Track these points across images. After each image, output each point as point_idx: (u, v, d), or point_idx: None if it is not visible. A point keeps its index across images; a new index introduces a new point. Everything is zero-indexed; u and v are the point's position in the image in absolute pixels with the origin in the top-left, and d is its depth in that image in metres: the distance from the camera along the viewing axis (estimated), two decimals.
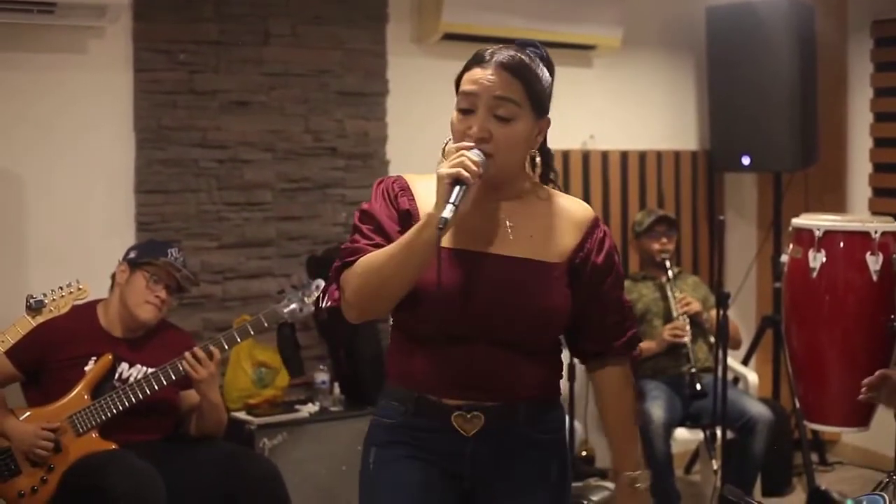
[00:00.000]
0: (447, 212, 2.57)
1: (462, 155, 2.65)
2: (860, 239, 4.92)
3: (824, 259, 4.90)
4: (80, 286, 4.21)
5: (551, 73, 2.85)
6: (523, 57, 2.77)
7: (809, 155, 6.60)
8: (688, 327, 5.90)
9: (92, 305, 4.67)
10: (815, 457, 6.50)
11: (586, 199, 6.46)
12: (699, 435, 5.88)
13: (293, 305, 4.76)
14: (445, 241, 2.70)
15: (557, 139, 6.58)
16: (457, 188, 2.61)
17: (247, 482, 4.55)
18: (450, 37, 5.94)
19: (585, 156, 6.61)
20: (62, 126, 5.12)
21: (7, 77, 5.01)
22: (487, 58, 2.75)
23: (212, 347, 4.59)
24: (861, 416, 5.02)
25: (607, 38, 6.49)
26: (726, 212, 7.11)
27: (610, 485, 5.07)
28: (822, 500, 5.03)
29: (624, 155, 6.79)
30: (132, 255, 4.74)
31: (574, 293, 2.84)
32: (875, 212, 6.80)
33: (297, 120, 5.67)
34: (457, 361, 2.78)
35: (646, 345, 6.09)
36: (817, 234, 4.91)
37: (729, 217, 6.95)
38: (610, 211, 6.71)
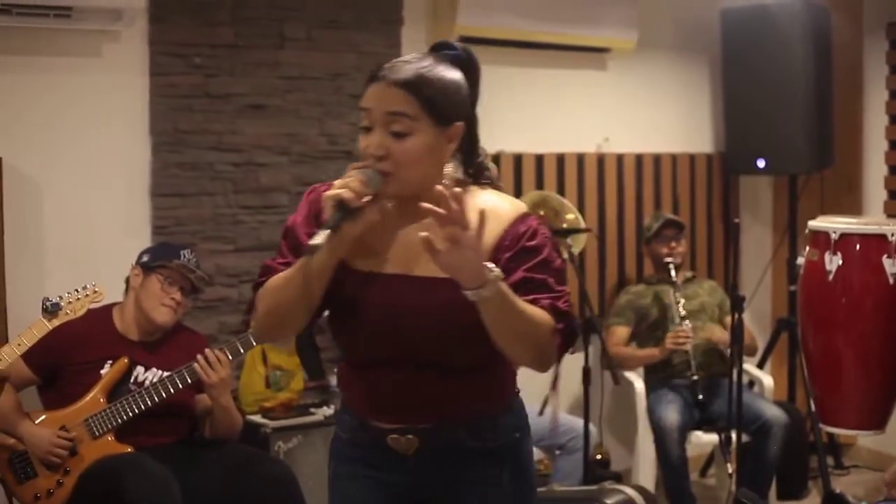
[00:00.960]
0: (318, 238, 2.51)
1: (348, 176, 2.62)
2: (876, 241, 4.91)
3: (840, 262, 4.89)
4: (96, 289, 4.23)
5: (471, 73, 2.77)
6: (419, 67, 2.66)
7: (825, 157, 6.59)
8: (691, 334, 5.89)
9: (108, 309, 4.68)
10: (830, 460, 6.49)
11: (601, 202, 6.49)
12: (714, 438, 5.86)
13: None
14: (365, 265, 2.71)
15: (572, 142, 6.66)
16: (338, 212, 2.56)
17: (262, 485, 4.56)
18: (465, 40, 5.93)
19: (600, 159, 6.60)
20: (78, 129, 5.13)
21: (24, 81, 5.02)
22: (381, 74, 2.65)
23: (219, 351, 4.59)
24: (877, 419, 5.02)
25: (622, 41, 6.48)
26: (741, 215, 7.10)
27: (626, 488, 5.06)
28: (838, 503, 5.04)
29: (639, 158, 6.78)
30: (145, 258, 4.75)
31: None
32: (891, 214, 6.80)
33: (312, 123, 5.68)
34: (386, 385, 2.75)
35: (649, 352, 6.11)
36: (833, 236, 4.90)
37: (744, 220, 6.94)
38: (625, 215, 6.70)
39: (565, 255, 5.63)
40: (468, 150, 2.81)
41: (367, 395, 2.81)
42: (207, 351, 4.58)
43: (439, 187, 2.46)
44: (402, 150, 2.62)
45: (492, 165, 2.88)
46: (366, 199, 2.59)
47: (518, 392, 2.94)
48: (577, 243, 5.80)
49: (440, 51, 2.77)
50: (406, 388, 2.74)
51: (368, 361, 2.77)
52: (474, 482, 2.83)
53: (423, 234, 2.45)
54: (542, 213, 5.75)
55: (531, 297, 2.63)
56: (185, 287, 4.73)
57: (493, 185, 2.85)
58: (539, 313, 2.62)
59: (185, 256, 4.74)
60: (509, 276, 2.61)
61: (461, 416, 2.78)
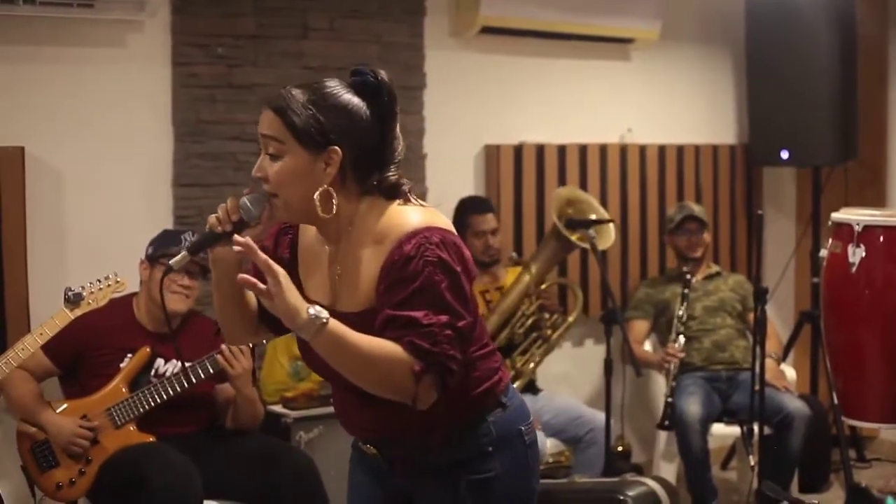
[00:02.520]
0: (176, 259, 2.68)
1: (220, 207, 2.71)
2: None
3: (864, 254, 4.85)
4: (118, 279, 4.24)
5: (377, 98, 2.75)
6: (299, 93, 2.71)
7: (849, 149, 6.56)
8: (681, 354, 5.89)
9: (129, 299, 4.69)
10: (852, 453, 6.46)
11: (623, 193, 6.49)
12: (736, 431, 5.85)
13: None
14: (310, 293, 2.78)
15: (595, 133, 6.65)
16: (201, 236, 2.72)
17: (283, 475, 4.56)
18: (488, 30, 5.94)
19: (623, 150, 6.58)
20: (101, 120, 5.15)
21: (47, 71, 5.03)
22: (267, 103, 2.74)
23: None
24: None
25: (645, 32, 6.47)
26: (765, 206, 7.08)
27: (648, 480, 5.06)
28: (862, 497, 5.02)
29: (662, 149, 6.76)
30: (150, 250, 4.74)
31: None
32: None
33: None
34: (336, 402, 2.97)
35: (650, 357, 6.10)
36: (857, 228, 4.86)
37: (767, 212, 6.92)
38: (647, 205, 6.69)
39: (586, 246, 5.62)
40: (369, 170, 2.74)
41: (335, 404, 3.01)
42: (225, 346, 4.56)
43: (237, 240, 2.53)
44: (275, 172, 2.67)
45: (405, 181, 2.79)
46: (228, 225, 2.67)
47: (502, 406, 2.87)
48: (605, 240, 5.77)
49: (352, 76, 2.77)
50: (347, 407, 2.90)
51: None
52: (434, 494, 2.88)
53: (241, 276, 2.51)
54: (570, 211, 5.75)
55: (395, 335, 2.57)
56: (191, 271, 4.69)
57: (407, 199, 2.76)
58: (391, 355, 2.56)
59: (186, 240, 4.71)
60: (379, 313, 2.61)
61: (396, 435, 2.82)
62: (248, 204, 2.67)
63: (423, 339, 2.56)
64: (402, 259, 2.60)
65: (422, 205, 2.76)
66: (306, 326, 2.49)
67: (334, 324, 2.51)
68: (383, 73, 2.76)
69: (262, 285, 2.46)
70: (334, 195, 2.68)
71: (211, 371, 4.54)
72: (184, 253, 2.65)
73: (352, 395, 2.73)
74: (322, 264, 2.79)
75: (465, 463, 2.82)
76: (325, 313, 2.49)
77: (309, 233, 2.84)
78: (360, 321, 2.60)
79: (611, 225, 5.83)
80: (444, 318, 2.59)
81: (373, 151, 2.74)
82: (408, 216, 2.69)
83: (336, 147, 2.67)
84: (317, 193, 2.66)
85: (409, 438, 2.81)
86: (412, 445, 2.83)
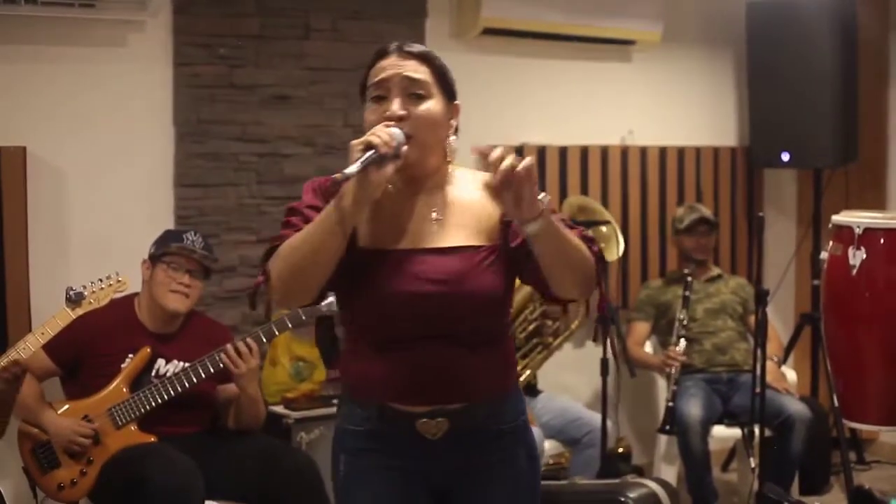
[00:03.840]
0: (352, 168, 2.55)
1: (375, 129, 2.66)
2: None
3: (864, 256, 4.85)
4: (120, 279, 4.23)
5: None
6: (423, 46, 2.86)
7: (850, 151, 6.57)
8: (681, 356, 5.88)
9: (130, 299, 4.69)
10: (853, 455, 6.46)
11: (624, 195, 6.50)
12: (737, 433, 5.86)
13: (331, 298, 4.74)
14: (377, 244, 2.75)
15: (596, 134, 6.65)
16: (368, 153, 2.59)
17: (284, 476, 4.56)
18: (489, 32, 5.94)
19: (624, 151, 6.59)
20: (102, 119, 5.15)
21: (48, 70, 5.03)
22: (391, 49, 2.82)
23: (249, 340, 4.59)
24: None
25: (647, 33, 6.47)
26: (765, 208, 7.07)
27: (649, 482, 5.06)
28: (864, 499, 5.02)
29: (663, 151, 6.76)
30: (151, 250, 4.75)
31: (509, 258, 2.80)
32: None
33: (336, 114, 5.68)
34: (414, 366, 2.75)
35: (651, 360, 6.11)
36: (857, 231, 4.87)
37: (768, 214, 6.90)
38: (648, 207, 6.69)
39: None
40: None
41: (391, 378, 2.77)
42: (230, 345, 4.56)
43: (475, 148, 2.54)
44: (423, 110, 2.74)
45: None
46: (391, 150, 2.63)
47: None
48: (610, 252, 5.79)
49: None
50: (433, 367, 2.75)
51: (390, 343, 2.76)
52: (494, 464, 2.86)
53: (477, 147, 2.51)
54: (581, 218, 5.77)
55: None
56: (192, 270, 4.70)
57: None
58: (577, 238, 2.73)
59: (187, 239, 4.71)
60: (517, 237, 2.74)
61: (484, 395, 2.81)
62: (401, 136, 2.67)
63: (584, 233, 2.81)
64: None
65: None
66: (545, 210, 2.57)
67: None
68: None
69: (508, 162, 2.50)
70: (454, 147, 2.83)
71: (212, 370, 4.54)
72: (359, 166, 2.55)
73: (451, 348, 2.74)
74: (390, 213, 2.77)
75: (516, 431, 2.89)
76: (547, 197, 2.58)
77: None
78: (453, 254, 2.73)
79: (619, 238, 5.85)
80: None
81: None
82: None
83: (457, 102, 2.86)
84: (452, 138, 2.82)
85: (489, 399, 2.83)
86: (487, 409, 2.82)
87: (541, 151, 6.25)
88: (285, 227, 2.78)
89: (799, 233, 7.20)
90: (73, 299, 4.07)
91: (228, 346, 4.54)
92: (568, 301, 2.92)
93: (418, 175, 2.79)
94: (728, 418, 5.93)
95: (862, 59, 6.60)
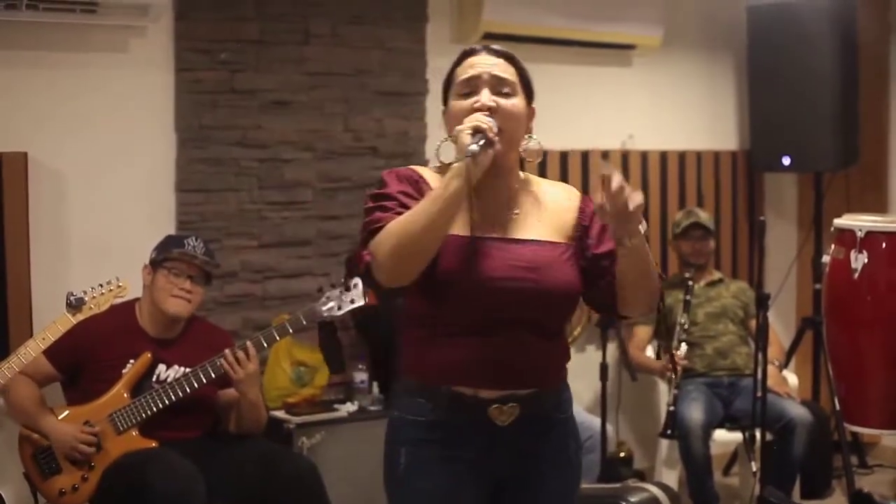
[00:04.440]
0: (473, 147, 2.70)
1: (476, 116, 2.80)
2: None
3: (866, 260, 4.86)
4: (120, 284, 4.23)
5: None
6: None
7: (850, 155, 6.57)
8: (682, 361, 5.87)
9: (131, 304, 4.69)
10: (854, 459, 6.46)
11: None
12: (738, 437, 5.86)
13: (331, 304, 4.74)
14: (460, 231, 2.81)
15: (597, 139, 6.64)
16: (478, 135, 2.74)
17: (285, 481, 4.56)
18: (490, 36, 5.93)
19: (625, 156, 6.59)
20: (104, 125, 5.15)
21: (50, 76, 5.04)
22: (479, 49, 2.96)
23: (249, 345, 4.58)
24: None
25: (647, 38, 6.47)
26: (766, 212, 7.07)
27: (650, 486, 5.05)
28: (865, 503, 5.01)
29: (663, 155, 6.77)
30: (152, 255, 4.75)
31: (584, 266, 2.94)
32: None
33: (336, 119, 5.69)
34: (492, 351, 2.82)
35: (652, 365, 6.11)
36: (859, 234, 4.87)
37: (769, 217, 6.89)
38: (649, 212, 6.69)
39: None
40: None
41: (468, 364, 2.83)
42: (229, 350, 4.56)
43: (602, 164, 2.76)
44: (510, 105, 2.87)
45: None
46: (494, 135, 2.77)
47: None
48: None
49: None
50: (510, 353, 2.84)
51: (470, 329, 2.82)
52: (552, 454, 2.96)
53: (610, 178, 2.66)
54: None
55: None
56: (194, 276, 4.71)
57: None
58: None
59: (189, 244, 4.71)
60: (602, 245, 2.93)
61: (551, 382, 2.96)
62: (495, 126, 2.80)
63: None
64: (592, 210, 2.92)
65: None
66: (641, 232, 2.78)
67: None
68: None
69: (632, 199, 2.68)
70: (532, 147, 2.96)
71: (212, 375, 4.54)
72: (476, 148, 2.70)
73: (528, 336, 2.84)
74: (473, 203, 2.83)
75: (569, 422, 3.02)
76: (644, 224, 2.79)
77: (439, 179, 2.89)
78: (538, 246, 2.88)
79: None
80: None
81: None
82: (563, 183, 3.13)
83: (534, 106, 2.99)
84: (534, 138, 2.96)
85: (554, 387, 2.97)
86: (552, 397, 2.96)
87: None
88: (378, 212, 2.85)
89: (800, 236, 7.20)
90: (74, 305, 4.07)
91: (227, 351, 4.54)
92: (625, 317, 3.08)
93: (499, 169, 2.88)
94: (729, 422, 5.93)
95: (862, 62, 6.61)
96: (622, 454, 6.22)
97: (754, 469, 5.36)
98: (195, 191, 5.36)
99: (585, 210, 2.97)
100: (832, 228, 5.08)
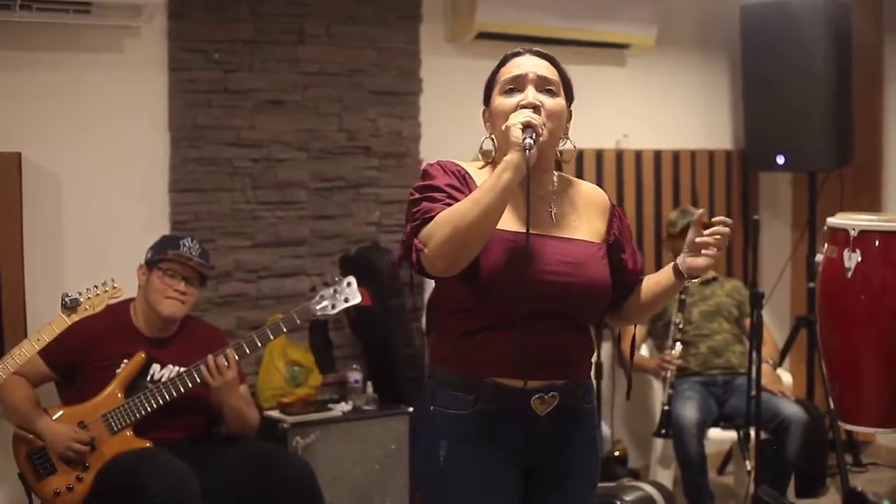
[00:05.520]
0: (529, 139, 2.80)
1: (524, 112, 2.89)
2: None
3: (860, 259, 4.86)
4: (115, 285, 4.22)
5: None
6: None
7: (845, 154, 6.57)
8: (677, 360, 5.87)
9: (126, 305, 4.68)
10: (848, 458, 6.47)
11: (619, 198, 6.50)
12: (733, 435, 5.86)
13: (325, 303, 4.75)
14: (506, 225, 2.89)
15: (591, 138, 6.65)
16: (528, 130, 2.83)
17: (280, 481, 4.56)
18: (483, 36, 5.94)
19: (619, 155, 6.60)
20: (98, 124, 5.15)
21: (43, 76, 5.03)
22: (523, 51, 3.07)
23: (229, 351, 4.58)
24: None
25: (641, 37, 6.48)
26: (761, 211, 7.08)
27: (644, 485, 5.06)
28: (858, 501, 5.02)
29: (657, 154, 6.77)
30: (148, 255, 4.75)
31: (612, 267, 3.07)
32: None
33: (331, 119, 5.69)
34: (533, 343, 2.88)
35: (647, 363, 6.11)
36: (853, 233, 4.87)
37: (763, 217, 6.93)
38: (643, 211, 6.70)
39: None
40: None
41: (511, 356, 2.88)
42: (210, 357, 4.56)
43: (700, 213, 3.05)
44: (554, 103, 3.00)
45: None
46: (543, 130, 2.88)
47: None
48: None
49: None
50: (551, 345, 2.94)
51: (511, 321, 2.85)
52: (581, 442, 3.07)
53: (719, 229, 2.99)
54: None
55: (637, 268, 3.18)
56: (188, 277, 4.71)
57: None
58: None
59: (184, 245, 4.71)
60: (636, 264, 3.17)
61: (585, 373, 3.08)
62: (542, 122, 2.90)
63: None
64: (621, 216, 3.19)
65: None
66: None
67: None
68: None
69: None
70: (570, 146, 3.12)
71: (198, 379, 4.54)
72: (531, 142, 2.79)
73: (566, 328, 2.97)
74: (519, 202, 2.93)
75: (593, 414, 3.14)
76: None
77: (481, 173, 3.02)
78: (573, 246, 3.00)
79: None
80: None
81: None
82: (594, 185, 3.25)
83: (572, 109, 3.12)
84: (568, 143, 3.11)
85: (586, 378, 3.09)
86: (583, 388, 3.07)
87: None
88: (427, 202, 2.90)
89: (794, 236, 7.20)
90: (69, 305, 4.06)
91: (209, 357, 4.53)
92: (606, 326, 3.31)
93: (538, 167, 2.94)
94: (724, 421, 5.93)
95: (856, 62, 6.61)
96: (617, 453, 6.23)
97: (749, 468, 5.37)
98: (189, 190, 5.35)
99: (615, 219, 3.15)
100: (825, 227, 5.08)
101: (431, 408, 3.01)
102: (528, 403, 2.94)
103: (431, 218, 2.84)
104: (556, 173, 3.10)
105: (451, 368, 2.99)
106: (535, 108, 2.91)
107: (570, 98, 3.11)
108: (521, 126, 2.82)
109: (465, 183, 2.96)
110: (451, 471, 2.97)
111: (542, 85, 3.00)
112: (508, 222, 2.90)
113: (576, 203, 3.10)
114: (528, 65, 3.02)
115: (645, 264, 3.29)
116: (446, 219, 2.80)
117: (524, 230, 2.82)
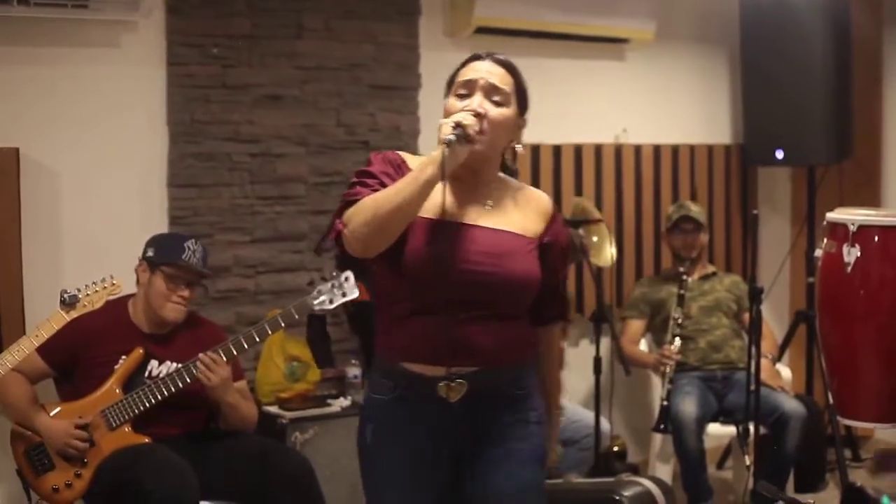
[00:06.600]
0: (450, 137, 2.93)
1: (462, 113, 3.02)
2: (895, 234, 4.88)
3: (859, 254, 4.84)
4: (114, 281, 4.21)
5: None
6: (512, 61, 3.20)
7: (844, 149, 6.56)
8: (676, 355, 5.87)
9: (124, 301, 4.67)
10: (848, 453, 6.47)
11: (619, 193, 6.51)
12: (732, 430, 5.86)
13: (323, 297, 4.73)
14: (429, 213, 3.02)
15: (590, 133, 6.64)
16: (458, 130, 2.95)
17: (279, 476, 4.55)
18: (482, 30, 5.94)
19: (618, 150, 6.59)
20: (96, 120, 5.14)
21: (41, 72, 5.02)
22: (484, 56, 3.19)
23: (221, 351, 4.57)
24: (895, 412, 4.99)
25: (640, 32, 6.47)
26: (760, 206, 7.08)
27: (643, 480, 5.05)
28: (857, 497, 5.01)
29: (657, 149, 6.76)
30: (150, 253, 4.72)
31: (541, 268, 3.16)
32: None
33: (329, 114, 5.68)
34: (441, 330, 2.99)
35: (646, 358, 6.10)
36: (852, 228, 4.85)
37: (762, 211, 6.92)
38: (643, 205, 6.69)
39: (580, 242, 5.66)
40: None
41: (421, 342, 3.04)
42: (202, 355, 4.55)
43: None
44: (498, 114, 3.09)
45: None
46: (474, 133, 3.00)
47: None
48: (603, 258, 5.84)
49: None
50: (460, 333, 3.02)
51: (426, 307, 3.01)
52: (507, 425, 3.14)
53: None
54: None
55: (560, 288, 3.32)
56: (192, 282, 4.72)
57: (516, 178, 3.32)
58: (561, 354, 3.54)
59: (189, 248, 4.69)
60: (550, 260, 3.20)
61: (503, 362, 3.10)
62: (478, 126, 3.03)
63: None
64: (560, 225, 3.30)
65: None
66: None
67: None
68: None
69: None
70: (518, 151, 3.24)
71: (195, 376, 4.53)
72: (454, 137, 2.94)
73: (484, 318, 3.04)
74: (449, 191, 3.07)
75: (527, 399, 3.19)
76: None
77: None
78: (500, 236, 3.11)
79: (611, 247, 5.88)
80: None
81: None
82: (540, 191, 3.34)
83: (526, 117, 3.23)
84: (518, 146, 3.23)
85: (507, 366, 3.12)
86: (504, 375, 3.12)
87: (534, 150, 6.25)
88: (359, 186, 3.09)
89: (793, 230, 7.19)
90: (68, 302, 4.06)
91: (201, 355, 4.52)
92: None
93: (479, 168, 3.13)
94: (723, 416, 5.93)
95: (856, 56, 6.60)
96: (616, 448, 6.21)
97: (748, 463, 5.36)
98: (187, 186, 5.35)
99: (555, 224, 3.26)
100: (824, 222, 5.07)
101: (367, 392, 3.22)
102: (434, 390, 3.04)
103: (356, 201, 3.01)
104: (502, 175, 3.24)
105: (380, 354, 3.15)
106: (478, 116, 3.03)
107: (522, 108, 3.20)
108: (452, 124, 2.96)
109: (399, 172, 3.10)
110: (376, 452, 3.16)
111: (492, 93, 3.10)
112: (445, 211, 3.02)
113: (517, 201, 3.22)
114: (483, 71, 3.13)
115: (566, 285, 3.44)
116: (367, 204, 2.97)
117: (453, 219, 3.04)
